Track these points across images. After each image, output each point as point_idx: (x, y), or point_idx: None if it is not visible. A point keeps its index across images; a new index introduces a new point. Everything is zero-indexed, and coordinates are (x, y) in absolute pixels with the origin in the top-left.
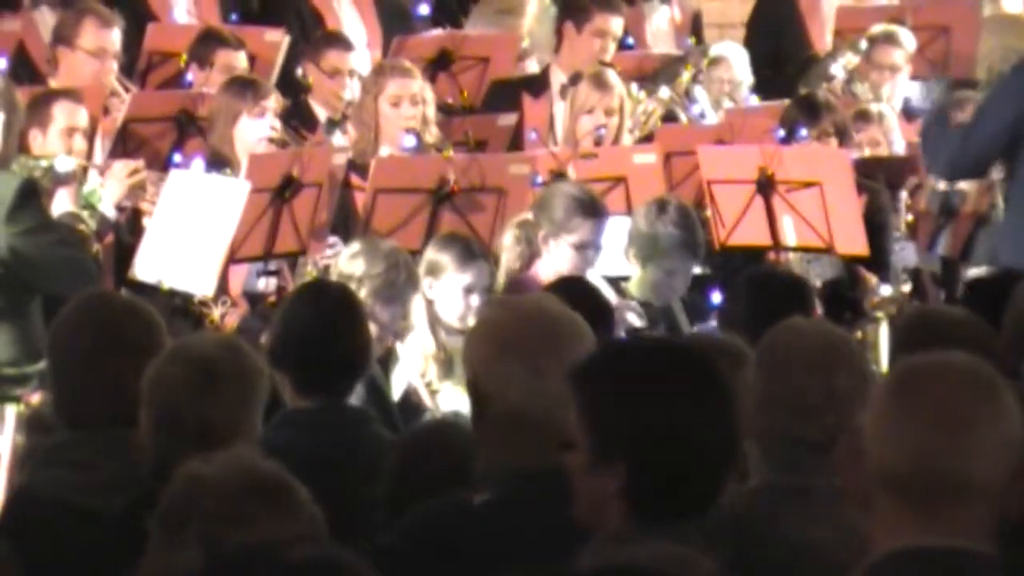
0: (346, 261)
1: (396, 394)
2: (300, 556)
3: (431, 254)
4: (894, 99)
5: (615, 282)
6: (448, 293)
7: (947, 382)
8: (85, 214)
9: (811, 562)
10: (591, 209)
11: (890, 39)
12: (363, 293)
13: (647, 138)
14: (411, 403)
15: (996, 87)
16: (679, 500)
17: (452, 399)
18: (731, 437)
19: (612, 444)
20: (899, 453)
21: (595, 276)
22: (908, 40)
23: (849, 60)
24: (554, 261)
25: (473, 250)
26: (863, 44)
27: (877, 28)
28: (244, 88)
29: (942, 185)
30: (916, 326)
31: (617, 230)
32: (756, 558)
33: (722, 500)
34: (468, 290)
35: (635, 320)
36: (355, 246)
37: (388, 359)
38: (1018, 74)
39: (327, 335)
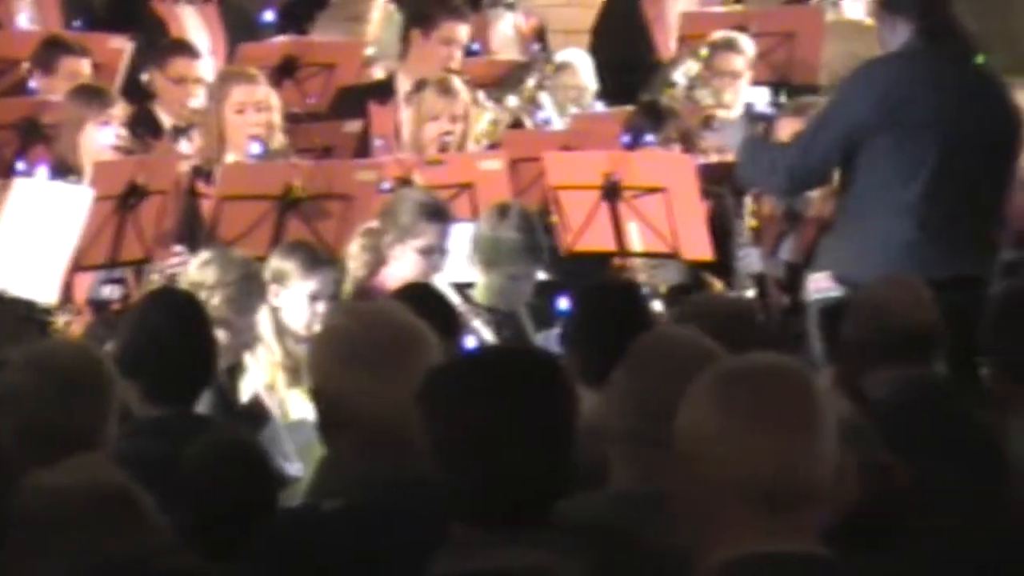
0: (197, 269)
1: (243, 402)
2: (166, 569)
3: (277, 261)
4: (736, 105)
5: (462, 288)
6: (294, 301)
7: (785, 384)
8: None
9: (674, 570)
10: (436, 214)
11: (730, 46)
12: (215, 301)
13: (493, 145)
14: (256, 412)
15: (835, 94)
16: (510, 509)
17: (299, 407)
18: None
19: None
20: (752, 458)
21: (442, 282)
22: (748, 46)
23: (690, 67)
24: (400, 268)
25: (319, 257)
26: (704, 51)
27: (718, 35)
28: (90, 96)
29: None
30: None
31: (463, 236)
32: (619, 565)
33: (585, 507)
34: (313, 297)
35: (481, 326)
36: (206, 254)
37: (235, 368)
38: (855, 80)
39: (176, 343)
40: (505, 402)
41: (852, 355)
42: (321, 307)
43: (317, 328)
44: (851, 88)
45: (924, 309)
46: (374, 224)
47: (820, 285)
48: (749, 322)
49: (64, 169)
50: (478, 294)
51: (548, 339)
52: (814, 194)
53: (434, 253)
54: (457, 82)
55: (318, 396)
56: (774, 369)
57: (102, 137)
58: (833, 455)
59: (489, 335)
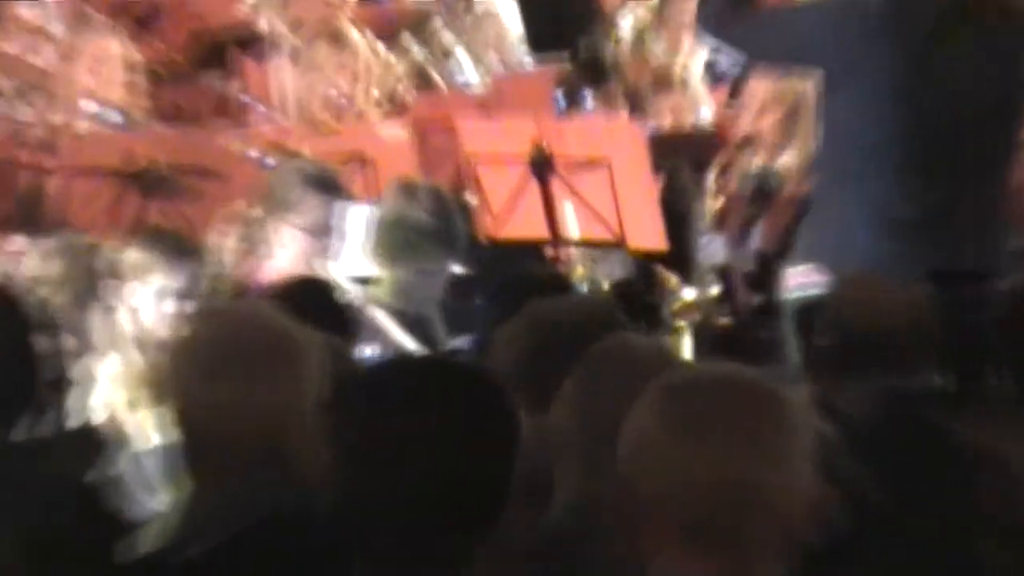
0: (40, 262)
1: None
2: None
3: (129, 253)
4: (694, 61)
5: (363, 285)
6: (151, 301)
7: (736, 395)
8: None
9: None
10: (324, 185)
11: None
12: (60, 300)
13: (397, 109)
14: (105, 434)
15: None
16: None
17: (156, 428)
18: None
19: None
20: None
21: (338, 276)
22: None
23: (639, 16)
24: (285, 256)
25: (185, 247)
26: None
27: None
28: None
29: (757, 163)
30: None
31: (361, 222)
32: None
33: (542, 517)
34: (179, 296)
35: (394, 328)
36: (50, 243)
37: (80, 380)
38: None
39: None
40: (440, 416)
41: (823, 366)
42: (188, 307)
43: (180, 332)
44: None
45: (893, 312)
46: (251, 207)
47: (799, 280)
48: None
49: None
50: (381, 292)
51: (464, 345)
52: (790, 165)
53: (322, 235)
54: (353, 32)
55: (178, 416)
56: (726, 379)
57: None
58: (801, 482)
59: (408, 340)
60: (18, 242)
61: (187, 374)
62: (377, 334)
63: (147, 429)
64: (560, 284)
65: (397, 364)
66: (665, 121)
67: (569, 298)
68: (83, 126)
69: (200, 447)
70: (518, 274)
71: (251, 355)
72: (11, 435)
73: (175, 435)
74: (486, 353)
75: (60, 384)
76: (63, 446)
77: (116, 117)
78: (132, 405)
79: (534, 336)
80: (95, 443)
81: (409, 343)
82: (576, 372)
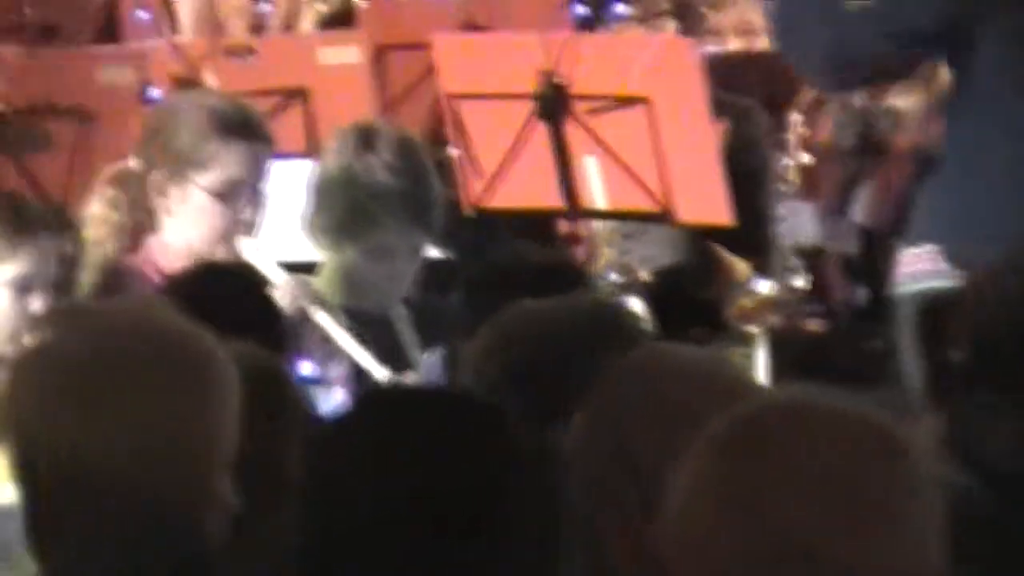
0: None
1: None
2: None
3: None
4: None
5: (297, 273)
6: None
7: (832, 442)
8: None
9: None
10: (239, 127)
11: None
12: None
13: (342, 18)
14: None
15: None
16: None
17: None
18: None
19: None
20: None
21: (262, 261)
22: None
23: None
24: (181, 229)
25: (32, 220)
26: None
27: None
28: None
29: (858, 102)
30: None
31: (295, 183)
32: None
33: None
34: (21, 289)
35: (343, 342)
36: None
37: None
38: None
39: None
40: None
41: (956, 390)
42: (37, 304)
43: (25, 343)
44: None
45: None
46: (130, 162)
47: (920, 267)
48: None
49: None
50: (323, 283)
51: (432, 363)
52: (908, 106)
53: (237, 198)
54: None
55: (20, 461)
56: (813, 413)
57: None
58: (919, 565)
59: (365, 354)
60: None
61: (34, 402)
62: (321, 345)
63: None
64: (568, 275)
65: (375, 409)
66: (728, 42)
67: (564, 299)
68: None
69: (51, 510)
70: (504, 260)
71: (130, 375)
72: None
73: (17, 488)
74: (452, 374)
75: None
76: None
77: None
78: None
79: (507, 355)
80: None
81: (366, 359)
82: (590, 403)
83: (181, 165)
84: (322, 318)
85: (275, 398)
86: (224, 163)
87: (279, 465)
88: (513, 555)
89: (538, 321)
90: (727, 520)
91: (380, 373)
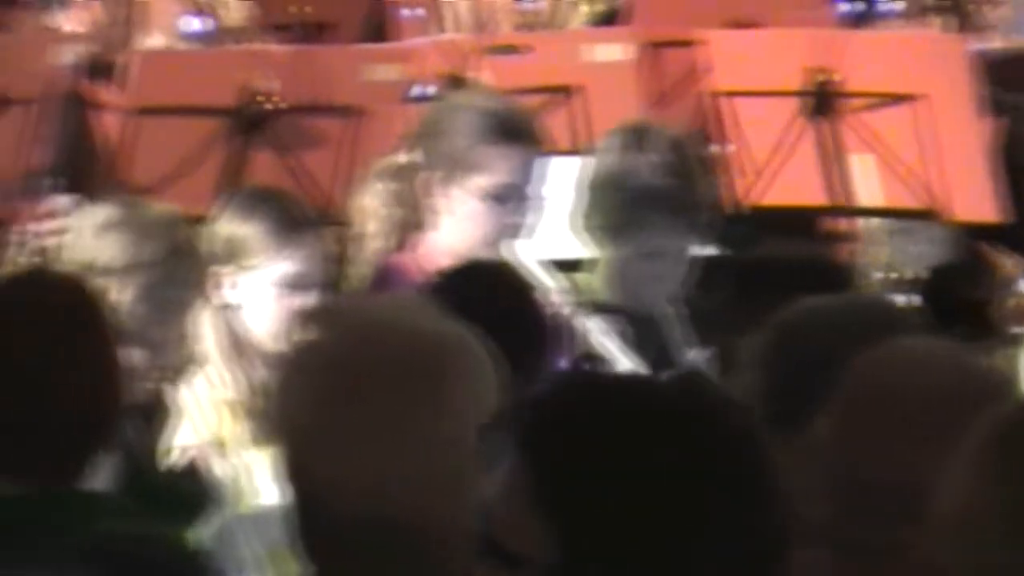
0: (91, 239)
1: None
2: None
3: (229, 225)
4: None
5: (562, 271)
6: (258, 293)
7: None
8: None
9: None
10: (513, 131)
11: None
12: (122, 296)
13: (610, 17)
14: (194, 485)
15: None
16: None
17: (267, 477)
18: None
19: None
20: None
21: (526, 258)
22: None
23: None
24: (452, 231)
25: (301, 217)
26: None
27: None
28: None
29: None
30: None
31: (563, 181)
32: None
33: None
34: (291, 287)
35: (602, 336)
36: (105, 212)
37: (158, 409)
38: None
39: (47, 372)
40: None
41: None
42: (304, 302)
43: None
44: None
45: None
46: (401, 157)
47: None
48: None
49: None
50: (590, 282)
51: (701, 361)
52: None
53: (508, 201)
54: None
55: (289, 466)
56: None
57: None
58: None
59: (629, 356)
60: (56, 203)
61: (304, 402)
62: (575, 345)
63: (251, 481)
64: (836, 273)
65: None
66: (996, 40)
67: (844, 296)
68: (155, 42)
69: (320, 514)
70: (773, 259)
71: (392, 379)
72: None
73: (289, 493)
74: (728, 370)
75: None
76: (131, 502)
77: (205, 26)
78: (222, 445)
79: (793, 352)
80: (184, 498)
81: (629, 361)
82: (834, 400)
83: (453, 168)
84: (586, 325)
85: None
86: (496, 168)
87: None
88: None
89: (824, 317)
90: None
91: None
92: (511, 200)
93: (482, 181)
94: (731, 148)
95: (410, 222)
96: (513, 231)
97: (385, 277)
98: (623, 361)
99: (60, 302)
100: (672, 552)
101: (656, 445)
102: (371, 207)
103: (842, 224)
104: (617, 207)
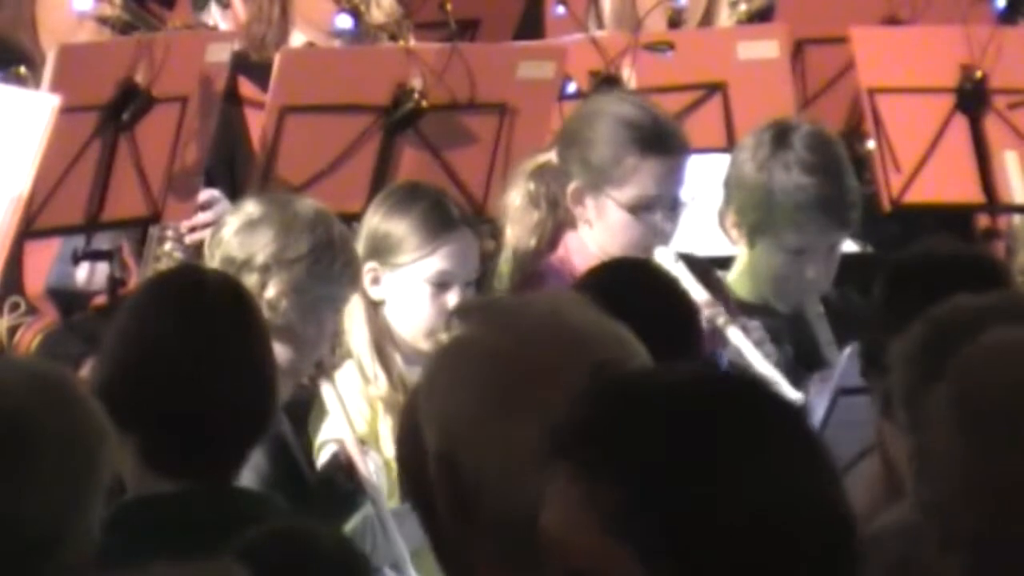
0: (241, 235)
1: (320, 463)
2: None
3: (379, 222)
4: None
5: (707, 270)
6: (408, 290)
7: None
8: None
9: None
10: (658, 143)
11: None
12: (271, 293)
13: (762, 14)
14: (341, 482)
15: None
16: None
17: None
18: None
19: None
20: None
21: (670, 259)
22: None
23: None
24: (599, 236)
25: (451, 215)
26: None
27: None
28: None
29: None
30: None
31: (710, 179)
32: None
33: None
34: (442, 284)
35: (742, 338)
36: (253, 208)
37: (307, 406)
38: None
39: (201, 369)
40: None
41: None
42: (454, 299)
43: (442, 339)
44: None
45: None
46: (549, 156)
47: None
48: None
49: (5, 58)
50: (736, 280)
51: (849, 359)
52: None
53: (654, 210)
54: None
55: (443, 466)
56: None
57: (76, 2)
58: None
59: (758, 355)
60: (208, 198)
61: (456, 404)
62: (722, 344)
63: (395, 477)
64: (989, 271)
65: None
66: None
67: (998, 294)
68: (303, 39)
69: (476, 514)
70: (924, 255)
71: (552, 377)
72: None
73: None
74: (874, 369)
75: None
76: (303, 499)
77: (349, 24)
78: (371, 443)
79: (942, 351)
80: (335, 497)
81: (766, 366)
82: (948, 389)
83: (598, 179)
84: (734, 335)
85: None
86: (641, 179)
87: None
88: None
89: (979, 316)
90: None
91: (788, 392)
92: (656, 210)
93: (629, 193)
94: (883, 145)
95: (555, 223)
96: (661, 238)
97: (535, 276)
98: (763, 364)
99: (217, 301)
100: None
101: None
102: (520, 205)
103: (995, 222)
104: (762, 205)
